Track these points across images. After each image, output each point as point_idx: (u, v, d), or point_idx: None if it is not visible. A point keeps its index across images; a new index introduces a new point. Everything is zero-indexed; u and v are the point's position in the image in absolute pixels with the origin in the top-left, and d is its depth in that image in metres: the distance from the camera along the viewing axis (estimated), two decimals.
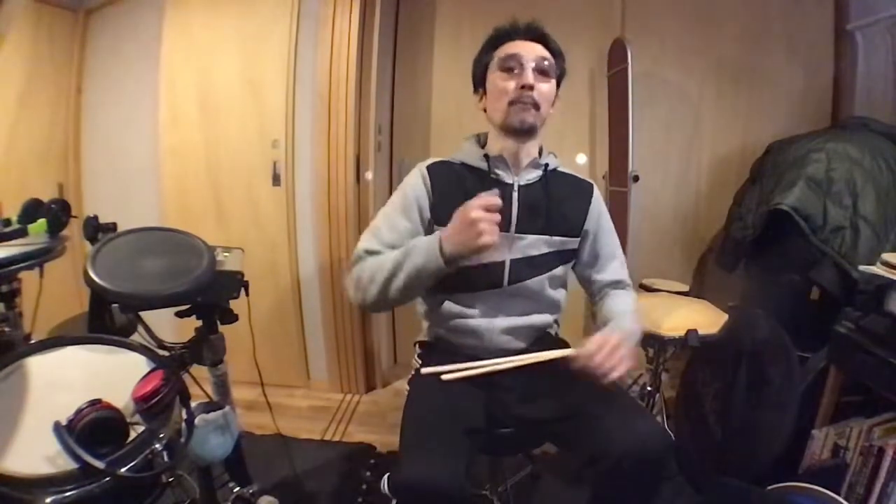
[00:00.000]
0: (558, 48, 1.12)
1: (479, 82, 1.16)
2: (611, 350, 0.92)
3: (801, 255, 1.63)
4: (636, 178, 2.08)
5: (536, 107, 1.08)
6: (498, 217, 0.92)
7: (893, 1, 1.89)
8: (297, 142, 2.14)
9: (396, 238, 1.08)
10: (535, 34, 1.10)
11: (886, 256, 1.27)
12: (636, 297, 1.23)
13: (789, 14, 2.24)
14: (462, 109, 2.34)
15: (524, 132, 1.10)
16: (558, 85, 1.14)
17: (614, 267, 1.22)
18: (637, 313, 1.15)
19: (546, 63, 1.08)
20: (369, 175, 2.16)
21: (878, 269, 1.26)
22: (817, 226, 1.60)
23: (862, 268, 1.34)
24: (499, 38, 1.11)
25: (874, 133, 1.80)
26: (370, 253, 1.08)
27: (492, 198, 0.92)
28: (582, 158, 2.41)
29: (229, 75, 2.12)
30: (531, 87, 1.06)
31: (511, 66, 1.07)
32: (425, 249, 0.97)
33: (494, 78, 1.10)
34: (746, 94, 2.32)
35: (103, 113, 2.26)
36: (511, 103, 1.07)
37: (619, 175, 2.18)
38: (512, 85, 1.07)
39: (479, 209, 0.90)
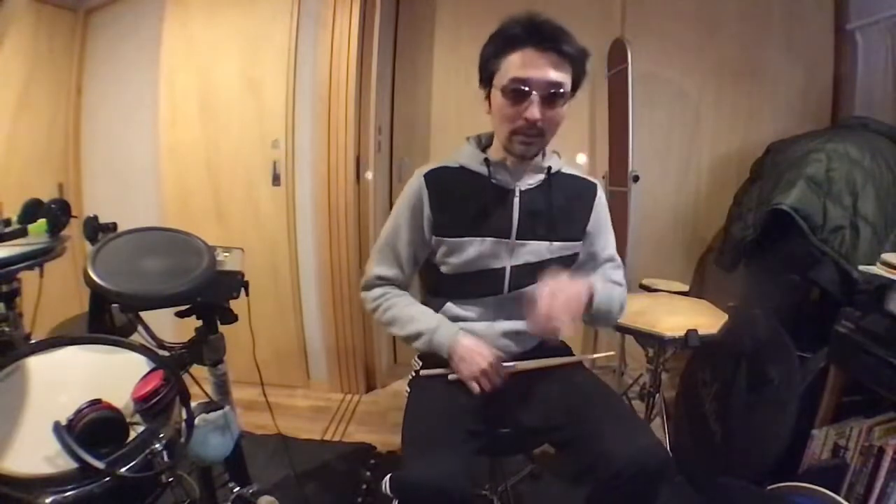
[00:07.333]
0: (576, 50, 1.00)
1: (485, 81, 1.07)
2: (561, 299, 0.96)
3: (801, 255, 1.63)
4: (636, 178, 2.08)
5: (542, 135, 1.03)
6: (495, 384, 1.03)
7: (893, 1, 1.89)
8: (297, 142, 2.14)
9: (403, 254, 1.14)
10: (550, 43, 0.97)
11: (886, 256, 1.27)
12: (624, 294, 1.17)
13: (789, 14, 2.25)
14: (462, 109, 2.33)
15: (526, 158, 1.09)
16: (578, 87, 1.04)
17: (606, 270, 1.19)
18: (614, 296, 1.12)
19: (555, 91, 0.99)
20: (369, 175, 2.16)
21: (878, 269, 1.26)
22: (817, 226, 1.60)
23: (862, 268, 1.34)
24: (509, 42, 1.00)
25: (874, 133, 1.79)
26: (381, 279, 1.16)
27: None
28: (582, 158, 2.41)
29: (229, 75, 2.12)
30: (537, 121, 1.00)
31: (518, 91, 0.98)
32: (428, 347, 1.09)
33: (499, 97, 1.02)
34: (746, 94, 2.32)
35: (103, 113, 2.26)
36: (514, 132, 1.02)
37: (619, 175, 2.18)
38: (516, 113, 1.00)
39: (493, 370, 1.02)
